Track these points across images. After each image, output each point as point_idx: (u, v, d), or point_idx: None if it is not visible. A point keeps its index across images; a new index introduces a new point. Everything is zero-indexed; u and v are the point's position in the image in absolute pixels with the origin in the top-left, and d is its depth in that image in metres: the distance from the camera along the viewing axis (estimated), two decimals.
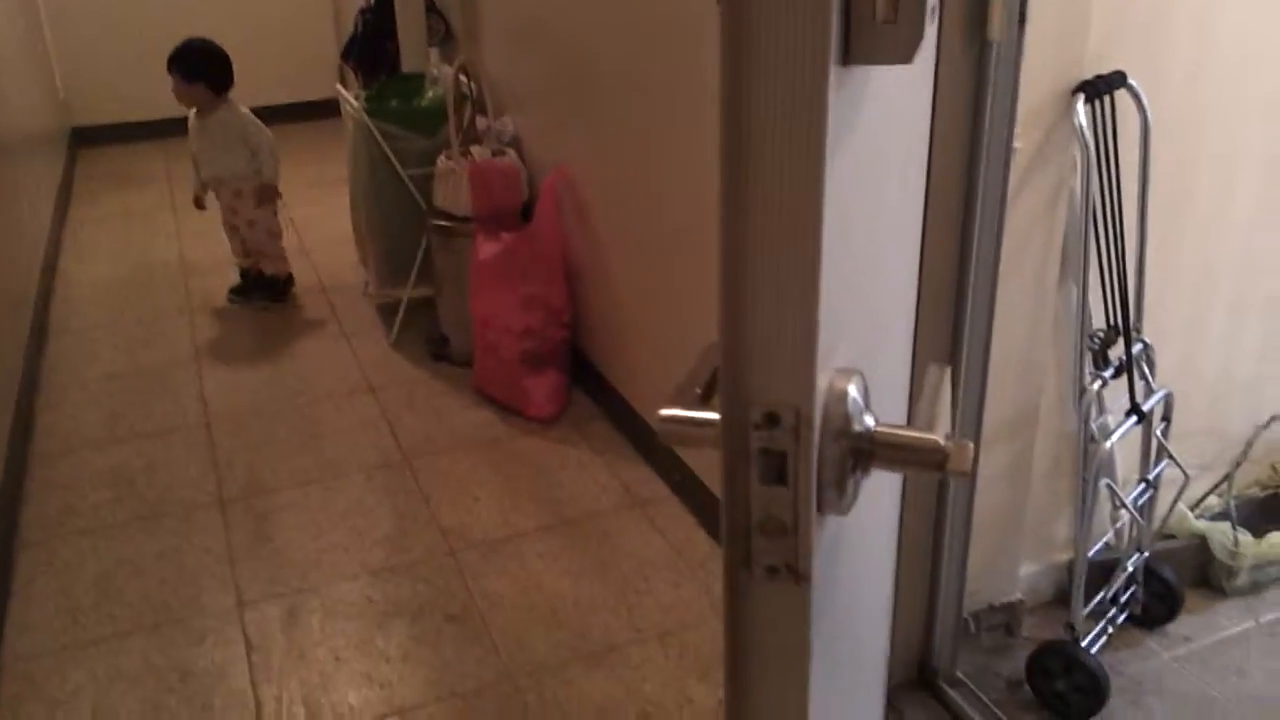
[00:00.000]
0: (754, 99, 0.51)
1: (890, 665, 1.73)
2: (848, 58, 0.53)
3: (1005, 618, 2.15)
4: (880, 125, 0.74)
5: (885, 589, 1.41)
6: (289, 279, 3.82)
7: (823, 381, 0.61)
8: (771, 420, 0.59)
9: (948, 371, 0.74)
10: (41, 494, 2.73)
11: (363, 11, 4.05)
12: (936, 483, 1.78)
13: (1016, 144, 1.48)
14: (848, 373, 0.65)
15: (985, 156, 1.46)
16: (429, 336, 3.40)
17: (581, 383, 3.10)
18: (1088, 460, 1.82)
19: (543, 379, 2.97)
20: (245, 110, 3.61)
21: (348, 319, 3.69)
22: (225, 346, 3.55)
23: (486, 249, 2.92)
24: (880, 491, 1.09)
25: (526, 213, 3.03)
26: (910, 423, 0.69)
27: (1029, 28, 1.42)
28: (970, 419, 1.68)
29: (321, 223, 4.40)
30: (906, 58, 0.53)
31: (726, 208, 0.53)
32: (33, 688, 2.08)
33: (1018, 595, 2.14)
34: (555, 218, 2.91)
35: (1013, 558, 2.11)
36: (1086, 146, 1.62)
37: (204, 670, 2.11)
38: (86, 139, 5.78)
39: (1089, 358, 1.83)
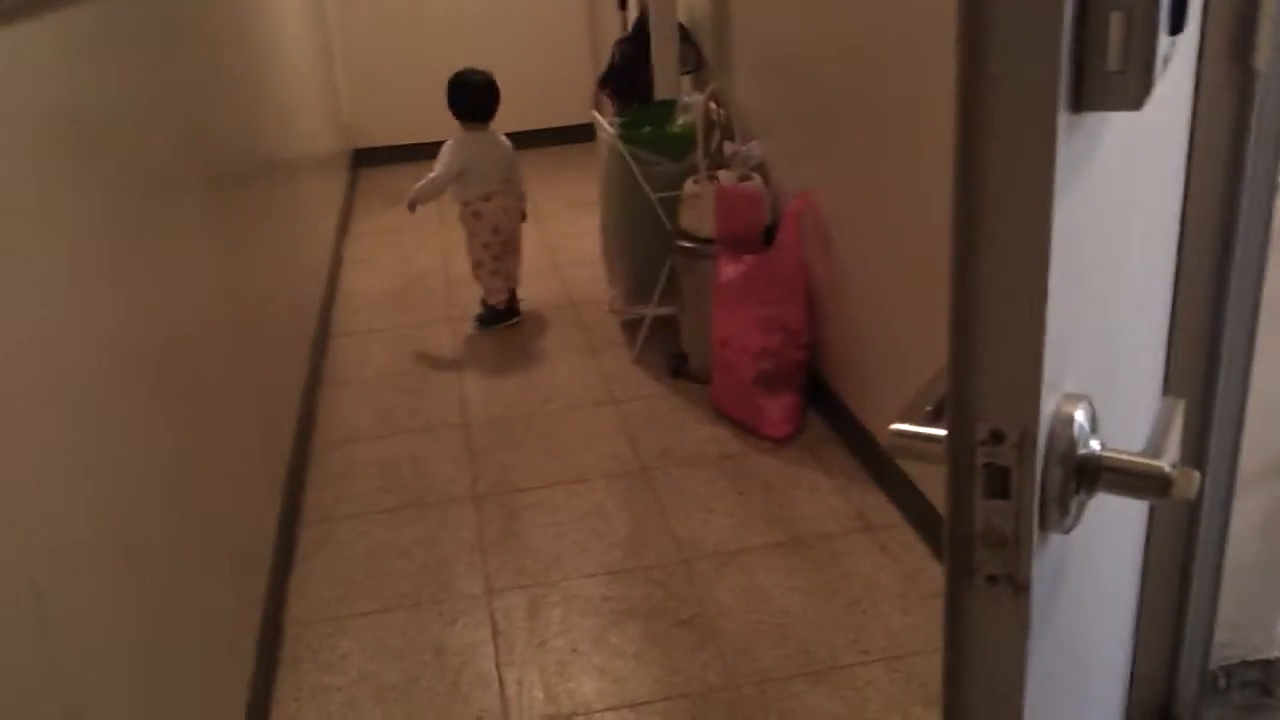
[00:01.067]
0: (986, 140, 0.56)
1: (1129, 707, 1.68)
2: (1079, 104, 0.57)
3: (1260, 675, 2.03)
4: (1121, 162, 0.77)
5: (1121, 622, 1.39)
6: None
7: (1049, 404, 0.65)
8: (996, 438, 0.64)
9: (1180, 404, 0.76)
10: (320, 481, 3.02)
11: (620, 42, 4.25)
12: (1185, 522, 1.72)
13: None
14: (1075, 398, 0.68)
15: (1247, 190, 1.42)
16: (670, 353, 3.52)
17: (818, 405, 3.14)
18: None
19: (779, 399, 3.03)
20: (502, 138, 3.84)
21: (594, 334, 3.87)
22: (483, 353, 3.81)
23: (729, 270, 3.02)
24: (1117, 520, 1.10)
25: (769, 236, 3.11)
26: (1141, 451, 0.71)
27: None
28: (1224, 459, 1.62)
29: (573, 242, 4.64)
30: (1136, 105, 0.57)
31: (957, 240, 0.58)
32: (309, 651, 2.32)
33: (1276, 653, 2.02)
34: (797, 242, 2.97)
35: (1270, 612, 2.00)
36: None
37: (455, 649, 2.30)
38: (366, 160, 6.30)
39: None
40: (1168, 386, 1.43)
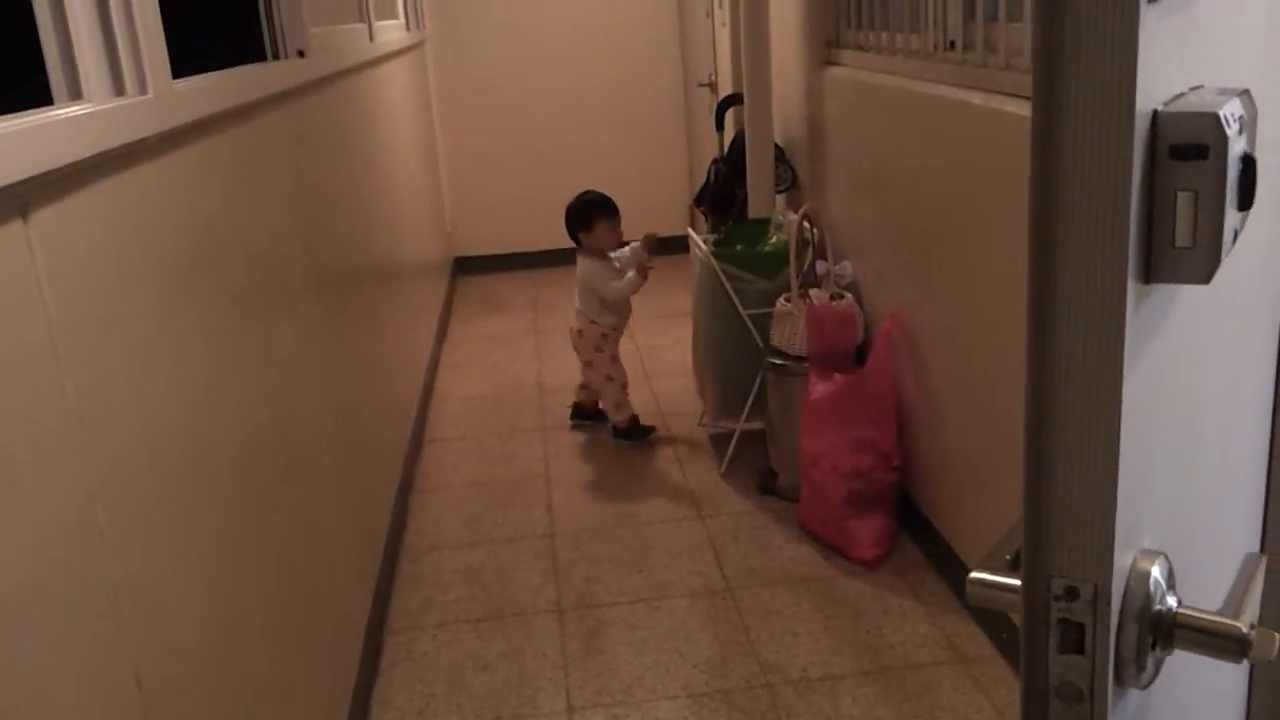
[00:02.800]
0: (1057, 310, 0.59)
1: None
2: (1149, 276, 0.60)
3: None
4: (1201, 323, 0.78)
5: None
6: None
7: (1124, 561, 0.66)
8: (1071, 594, 0.65)
9: (1263, 560, 0.75)
10: (408, 587, 3.07)
11: (715, 161, 4.36)
12: None
13: None
14: (1151, 554, 0.69)
15: None
16: (758, 469, 3.52)
17: (909, 528, 3.10)
18: None
19: (868, 521, 3.00)
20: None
21: (683, 446, 3.90)
22: (571, 463, 3.85)
23: (819, 389, 3.03)
24: (1210, 676, 1.07)
25: (860, 356, 3.12)
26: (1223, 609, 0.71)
27: None
28: None
29: (664, 353, 4.71)
30: (1205, 280, 0.59)
31: (1031, 404, 0.61)
32: None
33: None
34: (889, 363, 2.98)
35: None
36: None
37: None
38: (466, 268, 6.51)
39: None
40: (1265, 543, 1.40)
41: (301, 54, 2.57)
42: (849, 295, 3.27)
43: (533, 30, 6.25)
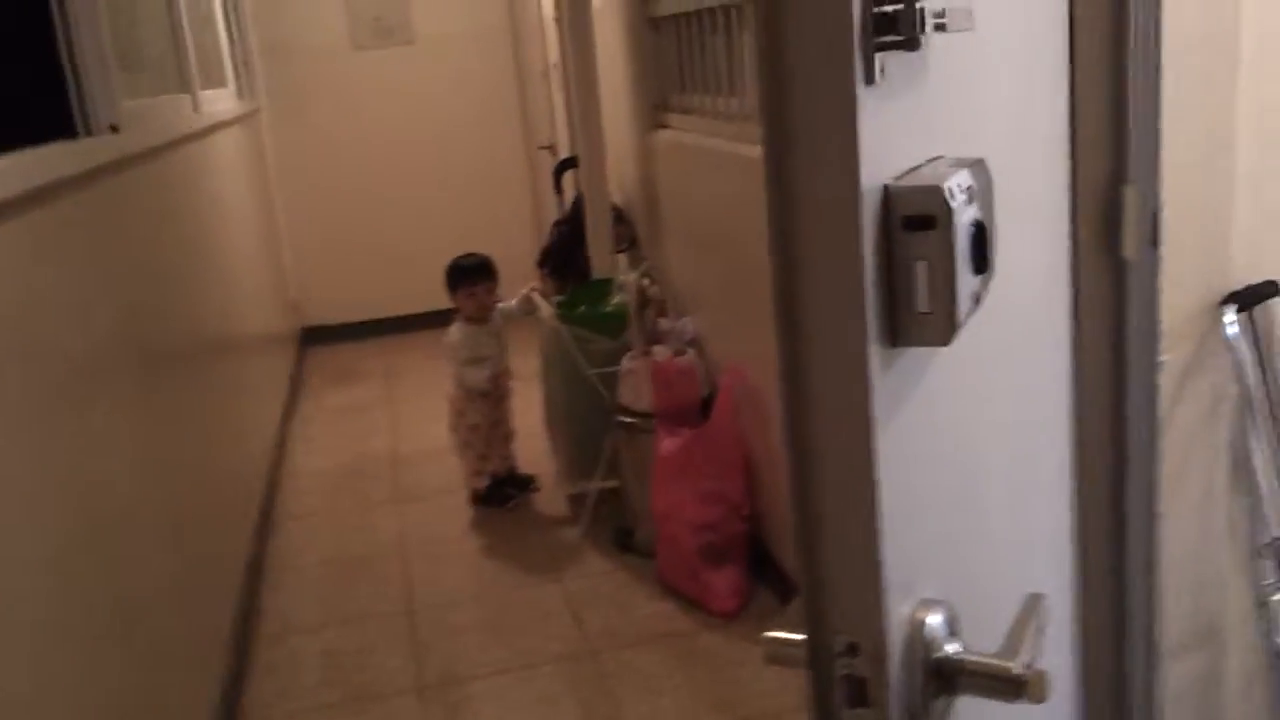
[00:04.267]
0: (809, 374, 0.61)
1: None
2: (895, 340, 0.63)
3: None
4: (977, 374, 0.82)
5: None
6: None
7: (903, 612, 0.69)
8: (852, 649, 0.66)
9: (1041, 599, 0.79)
10: (261, 675, 2.95)
11: (557, 223, 4.40)
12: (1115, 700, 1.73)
13: (1164, 356, 1.51)
14: (931, 603, 0.71)
15: (1132, 370, 1.49)
16: (616, 527, 3.53)
17: (764, 577, 3.14)
18: (1276, 678, 1.73)
19: (724, 573, 3.03)
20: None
21: (541, 509, 3.87)
22: (428, 535, 3.77)
23: (667, 444, 3.06)
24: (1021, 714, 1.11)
25: (706, 409, 3.17)
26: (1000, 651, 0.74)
27: (1168, 241, 1.47)
28: (1140, 637, 1.65)
29: (518, 415, 4.68)
30: (945, 342, 0.62)
31: (793, 466, 0.63)
32: None
33: None
34: (732, 414, 3.03)
35: None
36: (1240, 356, 1.62)
37: None
38: (316, 338, 6.37)
39: (1269, 568, 1.76)
40: (1085, 572, 1.47)
41: (115, 128, 2.49)
42: (691, 350, 3.32)
43: (372, 96, 6.21)
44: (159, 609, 2.31)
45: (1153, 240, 1.44)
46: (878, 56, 0.58)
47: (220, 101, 4.34)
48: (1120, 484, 1.55)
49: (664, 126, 3.62)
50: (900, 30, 0.58)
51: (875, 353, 0.60)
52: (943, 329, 0.62)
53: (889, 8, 0.58)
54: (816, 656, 0.68)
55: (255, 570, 3.49)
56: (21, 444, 1.64)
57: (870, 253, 0.59)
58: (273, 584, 3.48)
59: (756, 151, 2.36)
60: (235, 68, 5.05)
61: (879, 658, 0.66)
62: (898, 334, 0.63)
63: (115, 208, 2.52)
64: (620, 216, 4.01)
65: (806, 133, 0.56)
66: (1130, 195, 1.45)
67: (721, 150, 3.01)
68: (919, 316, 0.62)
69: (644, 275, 3.40)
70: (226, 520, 3.31)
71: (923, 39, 0.59)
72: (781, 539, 3.04)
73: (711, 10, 3.07)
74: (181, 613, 2.51)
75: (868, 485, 0.61)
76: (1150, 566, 1.59)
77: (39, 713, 1.54)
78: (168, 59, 3.54)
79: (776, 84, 0.57)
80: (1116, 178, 1.38)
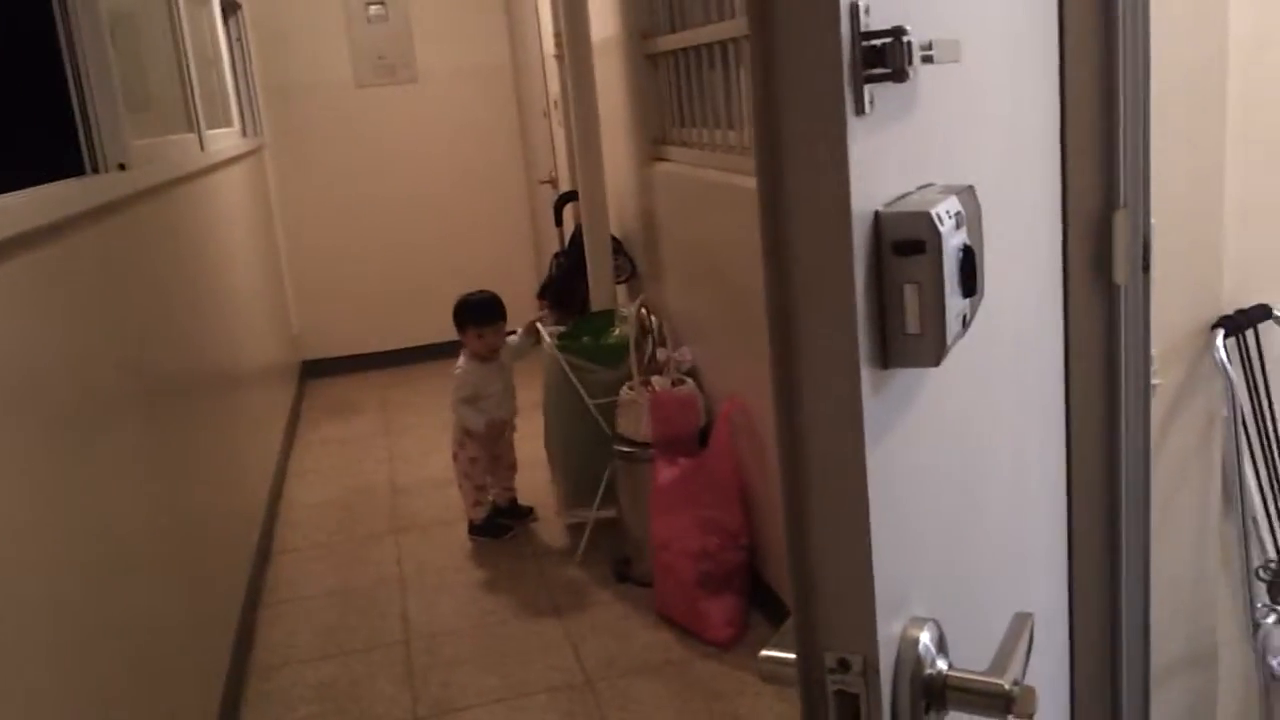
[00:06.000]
0: (801, 395, 0.63)
1: None
2: (887, 362, 0.65)
3: None
4: (970, 395, 0.84)
5: None
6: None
7: (893, 629, 0.70)
8: (844, 665, 0.68)
9: (1029, 618, 0.81)
10: (257, 707, 2.94)
11: (556, 255, 4.43)
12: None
13: (1156, 380, 1.53)
14: (921, 621, 0.73)
15: (1125, 394, 1.51)
16: (613, 557, 3.53)
17: (761, 606, 3.14)
18: (1269, 701, 1.74)
19: (720, 602, 3.03)
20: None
21: (540, 538, 3.88)
22: (426, 565, 3.78)
23: (665, 474, 3.07)
24: None
25: (704, 438, 3.18)
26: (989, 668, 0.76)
27: (1157, 267, 1.49)
28: (1136, 662, 1.65)
29: (519, 444, 4.69)
30: (935, 363, 0.64)
31: (786, 485, 0.64)
32: None
33: None
34: (730, 444, 3.04)
35: None
36: (1231, 380, 1.65)
37: None
38: (315, 371, 6.39)
39: (1263, 590, 1.78)
40: (1074, 590, 1.48)
41: (123, 166, 2.52)
42: (690, 380, 3.34)
43: (375, 133, 6.27)
44: (159, 642, 2.31)
45: (1144, 265, 1.47)
46: (867, 88, 0.60)
47: (225, 139, 4.38)
48: (1113, 506, 1.57)
49: (662, 160, 3.66)
50: (888, 63, 0.60)
51: (866, 373, 0.62)
52: (932, 350, 0.64)
53: (877, 41, 0.60)
54: (808, 673, 0.69)
55: (253, 601, 3.49)
56: (28, 479, 1.66)
57: (861, 276, 0.61)
58: (270, 615, 3.48)
59: (753, 183, 2.39)
60: (240, 106, 5.10)
61: (870, 673, 0.67)
62: (888, 355, 0.65)
63: (123, 244, 2.55)
64: (620, 248, 4.04)
65: (799, 161, 0.59)
66: (1121, 220, 1.47)
67: (718, 182, 3.04)
68: (909, 338, 0.64)
69: (643, 306, 3.42)
70: (226, 551, 3.31)
71: (910, 71, 0.61)
72: (778, 568, 3.05)
73: (709, 46, 3.11)
74: (181, 645, 2.51)
75: (859, 503, 0.63)
76: (1143, 588, 1.60)
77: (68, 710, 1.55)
78: (174, 99, 3.59)
79: (770, 115, 0.59)
80: (1107, 203, 1.41)
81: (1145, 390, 1.54)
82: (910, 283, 0.63)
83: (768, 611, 3.11)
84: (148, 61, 3.25)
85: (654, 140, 3.71)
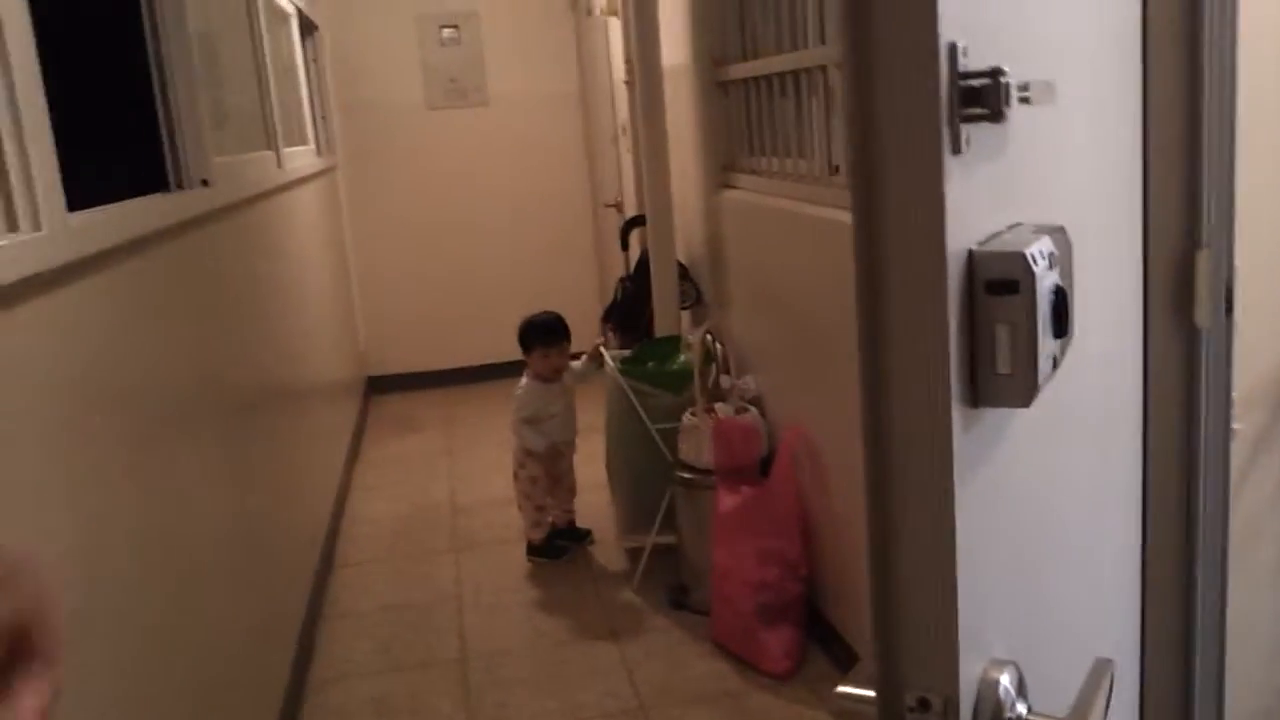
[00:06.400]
0: (891, 433, 0.63)
1: None
2: (977, 401, 0.64)
3: None
4: (1049, 438, 0.83)
5: None
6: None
7: (974, 670, 0.69)
8: (924, 705, 0.67)
9: (1110, 665, 0.79)
10: (315, 718, 2.97)
11: (622, 280, 4.46)
12: None
13: (1236, 425, 1.50)
14: (1001, 663, 0.72)
15: (1204, 438, 1.48)
16: (670, 584, 3.52)
17: (819, 639, 3.11)
18: None
19: (779, 633, 3.01)
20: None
21: (597, 561, 3.88)
22: (484, 584, 3.80)
23: (727, 502, 3.06)
24: None
25: (766, 467, 3.17)
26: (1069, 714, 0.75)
27: (1240, 308, 1.46)
28: (1209, 712, 1.62)
29: (579, 468, 4.71)
30: (1026, 403, 0.64)
31: (872, 522, 0.64)
32: None
33: None
34: (791, 474, 3.03)
35: None
36: None
37: None
38: (380, 387, 6.47)
39: None
40: (1145, 637, 1.45)
41: (206, 183, 2.59)
42: (753, 409, 3.34)
43: (444, 154, 6.36)
44: (224, 652, 2.35)
45: (1227, 307, 1.44)
46: (964, 128, 0.60)
47: (301, 158, 4.48)
48: (1190, 552, 1.54)
49: (731, 187, 3.67)
50: (985, 103, 0.60)
51: (957, 412, 0.62)
52: (1024, 390, 0.64)
53: (975, 81, 0.60)
54: (887, 711, 0.69)
55: (313, 614, 3.54)
56: (115, 488, 1.70)
57: (954, 314, 0.61)
58: (330, 630, 3.52)
59: (823, 213, 2.41)
60: (315, 126, 5.21)
61: (951, 714, 0.66)
62: (978, 395, 0.64)
63: (203, 259, 2.62)
64: (685, 274, 4.05)
65: (895, 199, 0.59)
66: (1204, 261, 1.45)
67: (788, 211, 3.04)
68: (1000, 378, 0.64)
69: (708, 332, 3.43)
70: (290, 564, 3.36)
71: (1007, 111, 0.61)
72: (837, 601, 3.02)
73: (781, 75, 3.12)
74: (244, 656, 2.55)
75: (947, 540, 0.63)
76: (1219, 636, 1.56)
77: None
78: (254, 116, 3.67)
79: (867, 152, 0.59)
80: (1190, 243, 1.39)
81: (1225, 435, 1.51)
82: (1003, 322, 0.63)
83: (825, 644, 3.08)
84: (229, 79, 3.34)
85: (723, 167, 3.73)
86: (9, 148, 1.47)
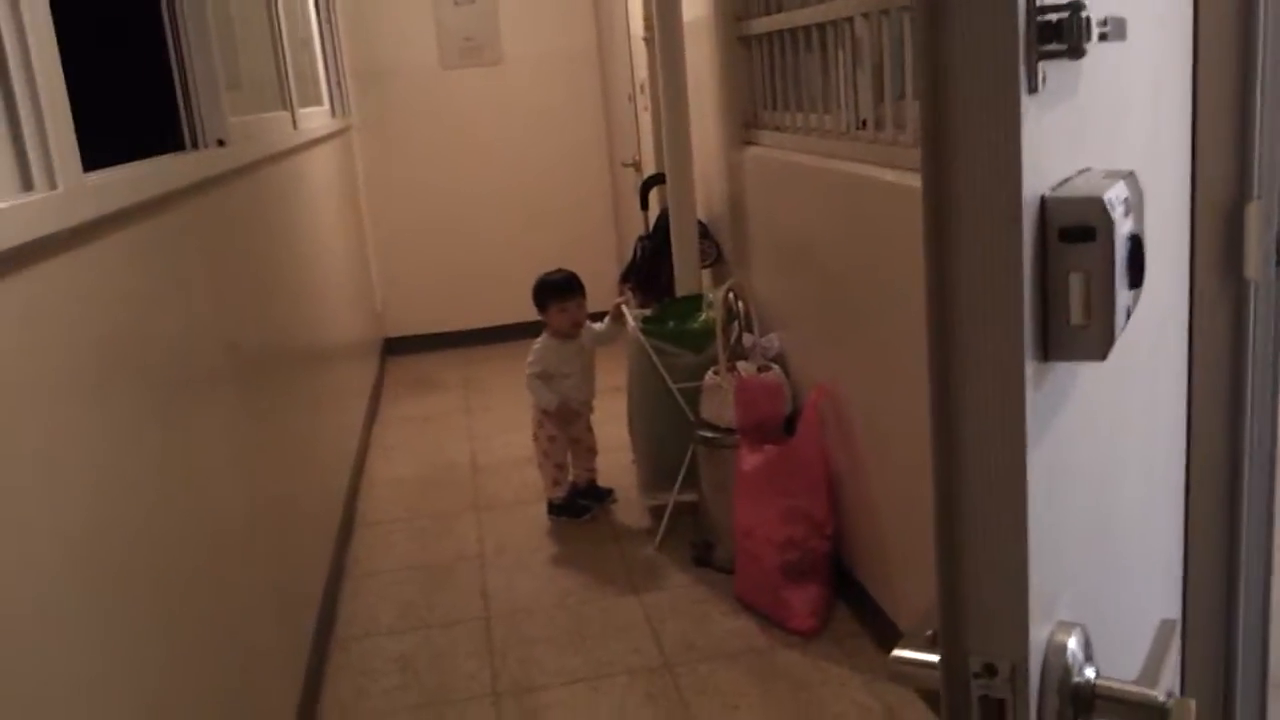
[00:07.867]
0: (960, 389, 0.60)
1: None
2: (1047, 354, 0.61)
3: None
4: (1111, 393, 0.80)
5: None
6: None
7: (1041, 634, 0.67)
8: (990, 670, 0.65)
9: (1177, 626, 0.77)
10: (340, 677, 2.99)
11: (641, 239, 4.41)
12: None
13: None
14: (1069, 626, 0.70)
15: (1251, 393, 1.45)
16: (693, 541, 3.51)
17: (845, 596, 3.10)
18: None
19: (804, 591, 3.00)
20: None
21: (619, 519, 3.88)
22: (506, 543, 3.80)
23: (750, 460, 3.04)
24: None
25: (790, 426, 3.14)
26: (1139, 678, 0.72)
27: None
28: (1252, 672, 1.59)
29: (599, 427, 4.70)
30: (1101, 356, 0.61)
31: (939, 482, 0.62)
32: None
33: None
34: (817, 432, 3.00)
35: None
36: None
37: None
38: (396, 348, 6.46)
39: None
40: (1186, 606, 1.43)
41: (221, 143, 2.56)
42: (776, 367, 3.30)
43: (459, 114, 6.30)
44: (248, 611, 2.35)
45: (1278, 260, 1.40)
46: (1041, 65, 0.57)
47: (316, 119, 4.43)
48: (1234, 510, 1.51)
49: (753, 143, 3.61)
50: (1064, 39, 0.57)
51: (1030, 366, 0.59)
52: (1099, 343, 0.61)
53: (1053, 16, 0.57)
54: (952, 677, 0.66)
55: (336, 574, 3.54)
56: (138, 448, 1.69)
57: (1027, 263, 0.58)
58: (353, 589, 3.53)
59: (849, 168, 2.35)
60: (329, 86, 5.16)
61: (1019, 680, 0.64)
62: (1050, 348, 0.61)
63: (220, 219, 2.59)
64: (706, 232, 4.01)
65: (968, 141, 0.56)
66: (1254, 213, 1.41)
67: (813, 167, 2.99)
68: (1073, 329, 0.61)
69: (730, 291, 3.39)
70: (311, 524, 3.36)
71: (1087, 47, 0.57)
72: (864, 558, 3.01)
73: (806, 28, 3.05)
74: (268, 615, 2.56)
75: (1017, 500, 0.60)
76: (1263, 598, 1.54)
77: (152, 686, 1.58)
78: (269, 77, 3.63)
79: (937, 92, 0.56)
80: (1240, 194, 1.35)
81: (1274, 390, 1.47)
82: (1077, 271, 0.60)
83: (850, 602, 3.07)
84: (244, 39, 3.30)
85: (744, 124, 3.67)
86: (24, 109, 1.44)
